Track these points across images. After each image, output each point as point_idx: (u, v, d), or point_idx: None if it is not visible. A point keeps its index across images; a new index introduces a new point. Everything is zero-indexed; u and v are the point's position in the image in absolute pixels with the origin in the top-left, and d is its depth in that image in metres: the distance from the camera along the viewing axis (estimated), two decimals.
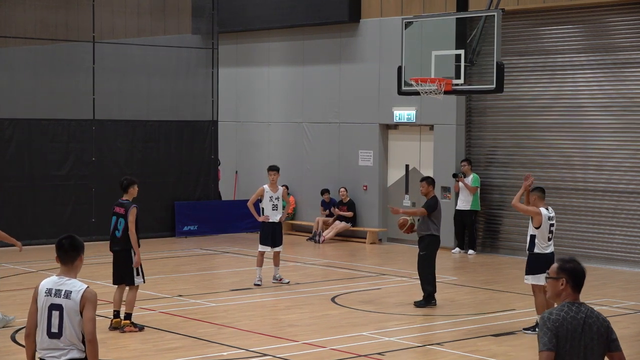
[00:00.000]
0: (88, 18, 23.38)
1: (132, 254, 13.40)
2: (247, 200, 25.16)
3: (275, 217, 17.36)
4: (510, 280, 18.20)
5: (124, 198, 13.61)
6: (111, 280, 13.80)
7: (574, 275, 5.98)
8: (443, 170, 22.42)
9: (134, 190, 13.66)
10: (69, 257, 7.14)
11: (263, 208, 17.47)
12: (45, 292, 7.12)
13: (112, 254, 13.77)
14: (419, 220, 15.53)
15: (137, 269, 13.44)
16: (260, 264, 17.23)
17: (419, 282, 15.65)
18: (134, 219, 13.35)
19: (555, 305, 6.02)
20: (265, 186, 17.51)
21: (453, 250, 21.97)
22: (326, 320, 14.42)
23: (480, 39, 17.33)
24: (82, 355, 7.11)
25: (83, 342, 7.09)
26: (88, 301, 7.05)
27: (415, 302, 15.51)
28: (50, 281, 7.16)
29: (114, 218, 13.59)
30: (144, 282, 13.72)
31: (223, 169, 26.26)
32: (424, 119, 22.79)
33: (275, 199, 17.39)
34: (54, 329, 7.07)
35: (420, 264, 15.50)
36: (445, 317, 14.82)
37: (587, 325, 5.88)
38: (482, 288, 16.80)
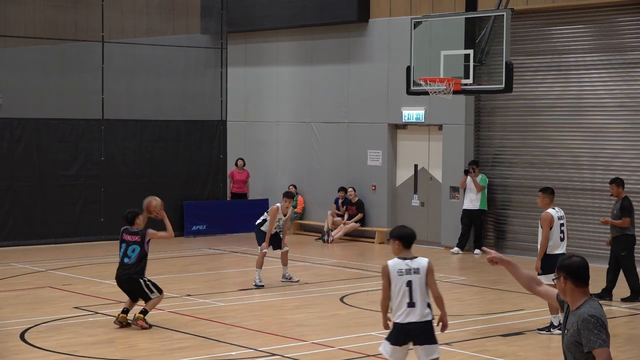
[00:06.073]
0: (97, 18, 23.42)
1: (140, 281, 13.39)
2: (256, 200, 25.52)
3: (274, 230, 17.32)
4: None
5: (133, 227, 13.59)
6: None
7: (572, 271, 6.01)
8: (452, 170, 22.41)
9: (140, 222, 13.63)
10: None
11: (266, 221, 17.30)
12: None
13: (116, 280, 13.69)
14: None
15: (149, 286, 13.44)
16: (259, 265, 17.12)
17: (626, 280, 15.97)
18: (157, 233, 13.58)
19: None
20: (279, 206, 17.23)
21: (452, 250, 21.96)
22: (335, 320, 14.42)
23: (489, 38, 17.31)
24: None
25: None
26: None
27: (623, 299, 15.94)
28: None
29: (124, 245, 13.50)
30: (160, 294, 13.65)
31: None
32: (432, 119, 22.77)
33: (282, 220, 17.37)
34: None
35: (625, 263, 15.90)
36: (453, 317, 14.77)
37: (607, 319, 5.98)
38: (491, 288, 16.77)
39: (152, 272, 14.53)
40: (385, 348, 9.00)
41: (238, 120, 27.00)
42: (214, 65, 25.29)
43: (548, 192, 13.84)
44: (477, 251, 21.92)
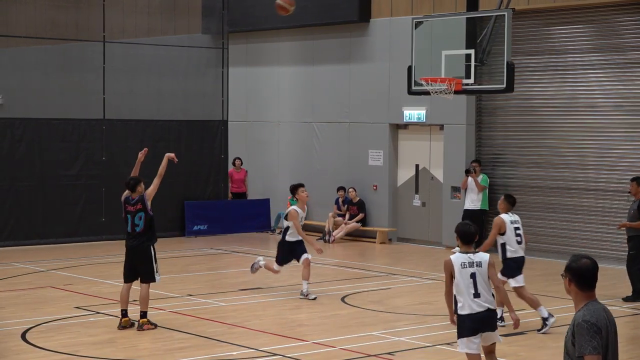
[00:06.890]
0: (98, 18, 23.43)
1: (151, 249, 13.48)
2: (257, 200, 25.53)
3: (297, 236, 16.26)
4: None
5: (133, 196, 13.71)
6: (121, 280, 13.78)
7: (578, 275, 6.00)
8: (453, 170, 22.40)
9: (141, 189, 13.79)
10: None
11: (287, 228, 16.31)
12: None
13: (126, 252, 13.70)
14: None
15: (156, 260, 13.49)
16: (269, 268, 16.71)
17: (629, 279, 16.11)
18: (150, 189, 13.85)
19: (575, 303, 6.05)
20: (296, 208, 16.24)
21: (453, 250, 21.90)
22: (336, 320, 14.42)
23: (490, 38, 17.30)
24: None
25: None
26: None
27: (623, 298, 15.94)
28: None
29: (130, 216, 13.59)
30: (157, 278, 13.67)
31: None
32: (434, 119, 22.76)
33: (304, 218, 16.61)
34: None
35: (631, 262, 15.97)
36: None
37: (611, 324, 5.92)
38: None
39: None
40: (461, 346, 9.42)
41: (239, 120, 27.00)
42: (215, 65, 25.29)
43: (509, 200, 14.06)
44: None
